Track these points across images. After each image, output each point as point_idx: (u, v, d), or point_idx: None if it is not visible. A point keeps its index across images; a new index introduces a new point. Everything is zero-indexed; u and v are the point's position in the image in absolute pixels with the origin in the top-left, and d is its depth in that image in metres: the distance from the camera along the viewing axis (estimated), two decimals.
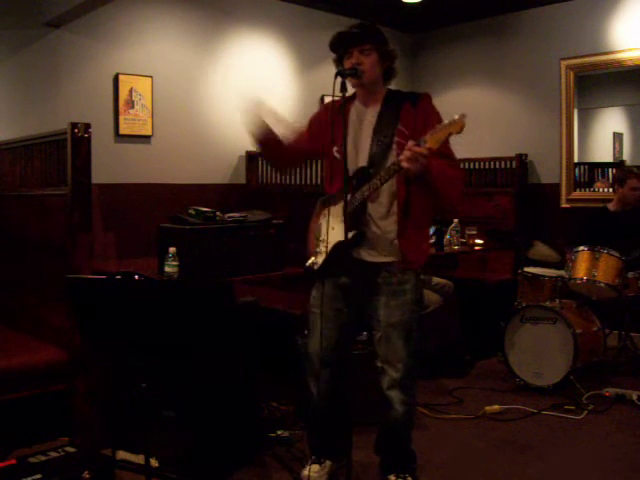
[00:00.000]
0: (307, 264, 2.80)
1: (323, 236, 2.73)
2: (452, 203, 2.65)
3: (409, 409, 2.72)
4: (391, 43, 2.69)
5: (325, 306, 2.69)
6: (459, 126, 2.29)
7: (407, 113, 2.61)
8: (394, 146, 2.58)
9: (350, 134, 2.61)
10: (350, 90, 2.61)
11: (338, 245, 2.63)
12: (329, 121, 2.64)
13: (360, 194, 2.56)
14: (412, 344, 2.67)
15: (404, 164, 2.35)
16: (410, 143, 2.36)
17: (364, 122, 2.66)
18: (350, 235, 2.55)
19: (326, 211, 2.72)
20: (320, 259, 2.72)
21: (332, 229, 2.68)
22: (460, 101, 6.61)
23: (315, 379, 2.79)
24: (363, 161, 2.63)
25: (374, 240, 2.63)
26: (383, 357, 2.67)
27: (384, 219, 2.63)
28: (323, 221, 2.75)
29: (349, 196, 2.55)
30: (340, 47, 2.61)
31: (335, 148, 2.64)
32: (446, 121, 2.33)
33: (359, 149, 2.65)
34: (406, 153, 2.34)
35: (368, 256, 2.65)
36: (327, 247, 2.69)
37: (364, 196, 2.55)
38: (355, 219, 2.58)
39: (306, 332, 2.99)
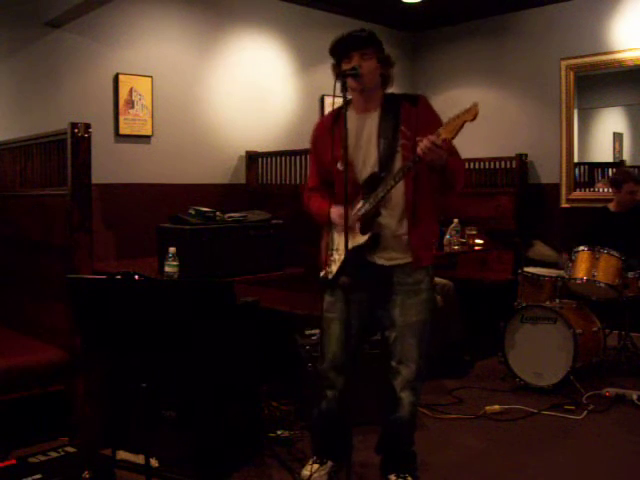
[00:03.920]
0: (321, 275, 2.79)
1: (336, 245, 2.73)
2: (455, 192, 2.70)
3: (414, 410, 2.74)
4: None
5: (339, 312, 2.70)
6: (473, 114, 2.36)
7: (407, 113, 2.62)
8: (399, 148, 2.59)
9: (352, 144, 2.61)
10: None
11: (353, 250, 2.59)
12: (325, 139, 2.69)
13: (374, 197, 2.56)
14: (424, 345, 2.69)
15: (421, 154, 2.40)
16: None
17: (365, 129, 2.65)
18: (365, 238, 2.58)
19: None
20: (334, 267, 2.71)
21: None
22: (460, 101, 6.54)
23: (330, 384, 2.78)
24: (372, 167, 2.62)
25: (389, 243, 2.64)
26: (397, 357, 2.68)
27: (397, 223, 2.64)
28: (335, 231, 2.76)
29: (361, 202, 2.59)
30: (341, 49, 2.60)
31: (339, 163, 2.62)
32: (458, 111, 2.37)
33: (365, 157, 2.64)
34: (424, 142, 2.38)
35: (382, 260, 2.66)
36: (340, 255, 2.69)
37: (378, 198, 2.55)
38: (369, 223, 2.60)
39: (317, 337, 2.97)
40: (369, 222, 2.60)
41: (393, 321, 2.68)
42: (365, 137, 2.65)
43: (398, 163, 2.58)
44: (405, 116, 2.61)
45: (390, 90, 2.76)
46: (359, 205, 2.60)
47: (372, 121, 2.65)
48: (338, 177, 2.64)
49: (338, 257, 2.71)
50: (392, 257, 2.66)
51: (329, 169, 2.73)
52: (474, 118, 2.36)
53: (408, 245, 2.64)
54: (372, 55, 2.58)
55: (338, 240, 2.73)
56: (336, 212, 2.69)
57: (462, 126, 2.37)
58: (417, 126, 2.58)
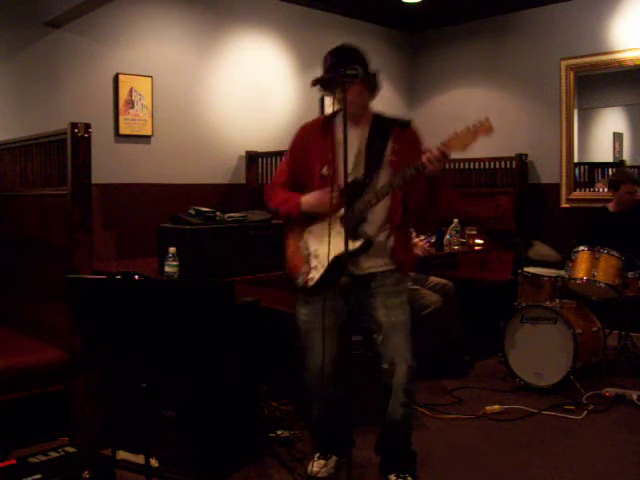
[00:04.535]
0: (299, 281, 2.73)
1: (314, 251, 2.70)
2: (444, 209, 2.75)
3: (409, 411, 2.75)
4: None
5: (319, 321, 2.67)
6: (487, 128, 2.40)
7: (398, 134, 2.66)
8: (384, 164, 2.62)
9: (338, 152, 2.60)
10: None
11: (340, 256, 2.57)
12: (312, 142, 2.69)
13: (364, 203, 2.58)
14: (411, 343, 2.70)
15: (428, 164, 2.44)
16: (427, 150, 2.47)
17: (354, 140, 2.64)
18: (358, 244, 2.58)
19: (312, 227, 2.72)
20: (316, 274, 2.69)
21: (327, 243, 2.62)
22: (460, 101, 6.62)
23: (319, 394, 2.80)
24: (355, 176, 2.62)
25: (373, 250, 2.65)
26: (388, 358, 2.68)
27: (377, 231, 2.67)
28: (309, 236, 2.74)
29: (344, 208, 2.54)
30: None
31: (325, 167, 2.63)
32: (470, 125, 2.40)
33: (351, 166, 2.61)
34: (434, 152, 2.43)
35: (363, 269, 2.67)
36: (322, 261, 2.66)
37: (370, 204, 2.58)
38: (355, 229, 2.60)
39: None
40: (355, 228, 2.60)
41: (379, 323, 2.69)
42: (353, 147, 2.63)
43: (382, 176, 2.61)
44: (396, 136, 2.66)
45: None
46: (341, 212, 2.58)
47: (362, 135, 2.68)
48: (319, 182, 2.65)
49: (319, 263, 2.67)
50: (373, 264, 2.68)
51: (307, 172, 2.72)
52: (490, 133, 2.39)
53: (392, 254, 2.68)
54: (354, 82, 2.54)
55: (316, 245, 2.70)
56: (312, 197, 2.65)
57: (474, 141, 2.41)
58: (408, 147, 2.63)
